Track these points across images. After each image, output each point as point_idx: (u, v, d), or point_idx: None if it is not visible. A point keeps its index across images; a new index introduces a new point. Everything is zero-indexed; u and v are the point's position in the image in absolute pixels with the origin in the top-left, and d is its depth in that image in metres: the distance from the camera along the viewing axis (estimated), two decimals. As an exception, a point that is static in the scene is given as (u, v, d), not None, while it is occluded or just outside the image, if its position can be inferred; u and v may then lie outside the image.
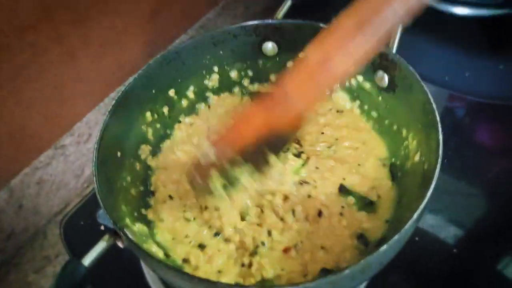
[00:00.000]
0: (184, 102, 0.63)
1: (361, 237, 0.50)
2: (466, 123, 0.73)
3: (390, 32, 0.41)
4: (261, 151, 0.48)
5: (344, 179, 0.54)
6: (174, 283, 0.43)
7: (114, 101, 0.51)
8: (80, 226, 0.66)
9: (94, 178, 0.45)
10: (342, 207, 0.52)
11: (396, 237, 0.39)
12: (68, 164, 0.73)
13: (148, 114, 0.59)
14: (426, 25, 0.81)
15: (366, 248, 0.49)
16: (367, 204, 0.52)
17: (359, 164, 0.55)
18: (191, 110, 0.64)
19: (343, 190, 0.53)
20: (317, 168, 0.55)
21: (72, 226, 0.66)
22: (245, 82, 0.65)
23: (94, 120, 0.75)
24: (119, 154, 0.53)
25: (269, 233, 0.51)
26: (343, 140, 0.58)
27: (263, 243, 0.50)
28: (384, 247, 0.39)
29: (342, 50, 0.42)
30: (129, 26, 0.75)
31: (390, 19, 0.39)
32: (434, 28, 0.81)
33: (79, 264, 0.41)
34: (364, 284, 0.55)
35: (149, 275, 0.59)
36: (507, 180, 0.64)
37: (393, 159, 0.55)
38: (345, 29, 0.41)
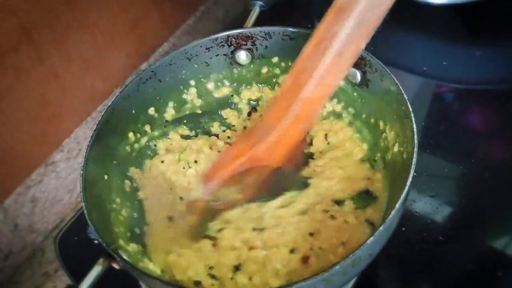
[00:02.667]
0: (168, 116, 0.64)
1: (367, 220, 0.52)
2: (455, 108, 0.74)
3: (354, 54, 0.43)
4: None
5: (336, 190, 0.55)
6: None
7: (95, 127, 0.52)
8: (75, 241, 0.67)
9: (83, 203, 0.46)
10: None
11: (381, 228, 0.41)
12: (60, 180, 0.74)
13: (131, 134, 0.59)
14: (403, 16, 0.83)
15: (373, 227, 0.51)
16: (365, 198, 0.54)
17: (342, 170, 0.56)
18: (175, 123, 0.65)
19: (339, 203, 0.54)
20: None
21: (66, 241, 0.67)
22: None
23: (83, 135, 0.76)
24: (106, 177, 0.54)
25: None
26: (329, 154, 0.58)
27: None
28: (371, 238, 0.40)
29: (309, 75, 0.43)
30: (110, 39, 0.76)
31: (347, 39, 0.41)
32: (411, 19, 0.82)
33: (77, 288, 0.42)
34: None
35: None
36: (496, 163, 0.65)
37: (374, 152, 0.57)
38: (310, 55, 0.43)
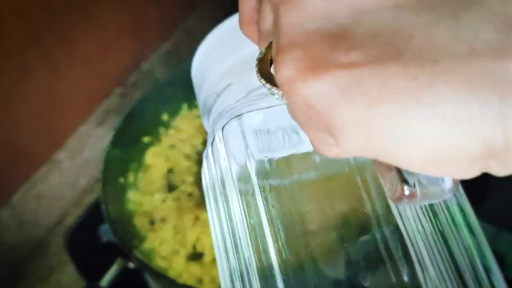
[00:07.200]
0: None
1: None
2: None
3: None
4: None
5: None
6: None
7: (111, 137, 0.54)
8: (84, 239, 0.68)
9: (103, 206, 0.48)
10: None
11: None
12: (64, 177, 0.76)
13: (146, 138, 0.62)
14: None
15: None
16: None
17: None
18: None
19: None
20: None
21: (75, 239, 0.68)
22: None
23: (86, 133, 0.78)
24: (122, 180, 0.56)
25: None
26: None
27: None
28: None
29: None
30: (113, 39, 0.77)
31: None
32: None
33: (98, 287, 0.45)
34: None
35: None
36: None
37: None
38: None
